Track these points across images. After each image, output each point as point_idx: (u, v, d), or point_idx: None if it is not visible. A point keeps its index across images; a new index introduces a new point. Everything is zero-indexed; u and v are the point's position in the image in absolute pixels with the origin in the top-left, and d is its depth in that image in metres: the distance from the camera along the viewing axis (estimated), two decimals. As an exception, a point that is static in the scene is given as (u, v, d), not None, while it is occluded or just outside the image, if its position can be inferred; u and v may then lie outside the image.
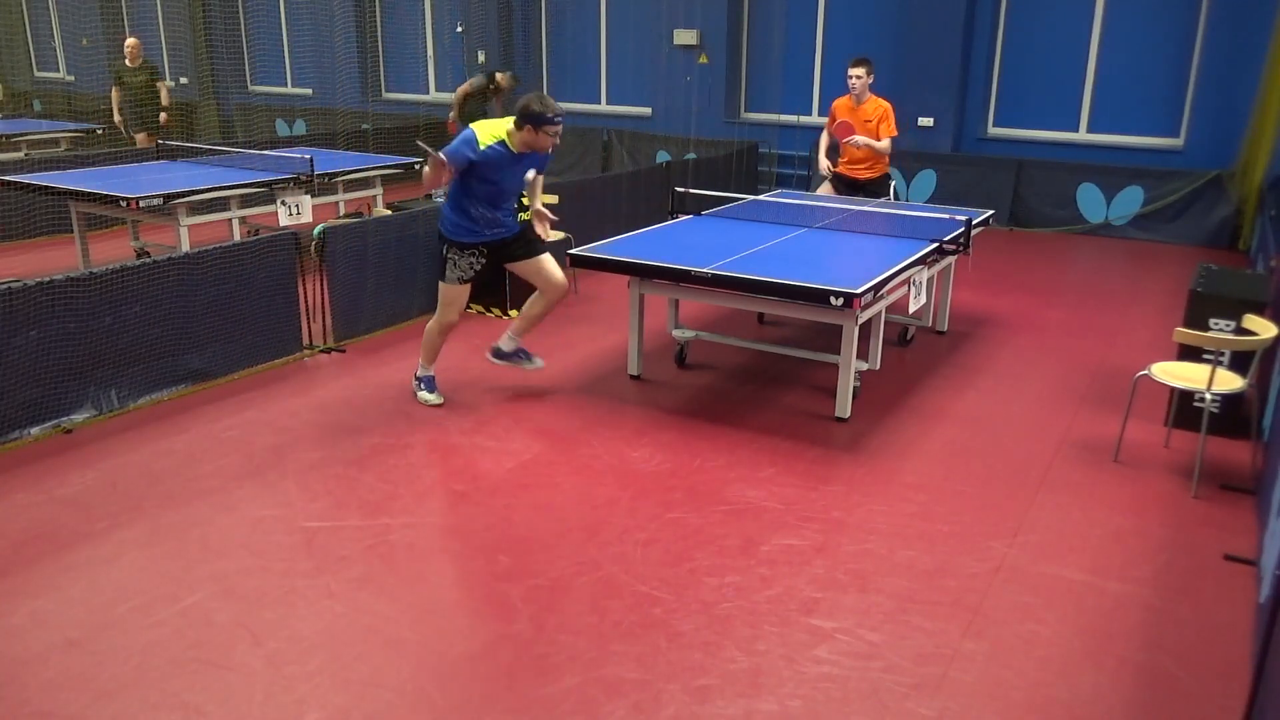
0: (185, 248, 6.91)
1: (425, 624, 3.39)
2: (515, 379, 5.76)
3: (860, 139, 7.24)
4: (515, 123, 4.85)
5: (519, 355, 5.58)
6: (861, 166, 7.49)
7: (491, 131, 4.87)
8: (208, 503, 4.23)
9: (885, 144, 7.27)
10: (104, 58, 15.10)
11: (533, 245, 5.27)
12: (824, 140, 7.65)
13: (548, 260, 5.28)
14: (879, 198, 7.56)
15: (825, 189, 7.71)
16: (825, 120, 7.59)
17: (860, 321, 5.04)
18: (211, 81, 16.49)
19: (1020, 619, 3.47)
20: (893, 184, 7.68)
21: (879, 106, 7.24)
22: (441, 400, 5.39)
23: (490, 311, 7.09)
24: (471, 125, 4.90)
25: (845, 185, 7.63)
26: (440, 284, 5.19)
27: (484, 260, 5.17)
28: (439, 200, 7.74)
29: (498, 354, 5.58)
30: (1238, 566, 3.83)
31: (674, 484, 4.47)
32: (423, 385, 5.43)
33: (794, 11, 11.99)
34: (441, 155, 4.75)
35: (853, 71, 7.18)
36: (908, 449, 4.88)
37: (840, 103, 7.42)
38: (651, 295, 5.71)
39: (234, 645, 3.25)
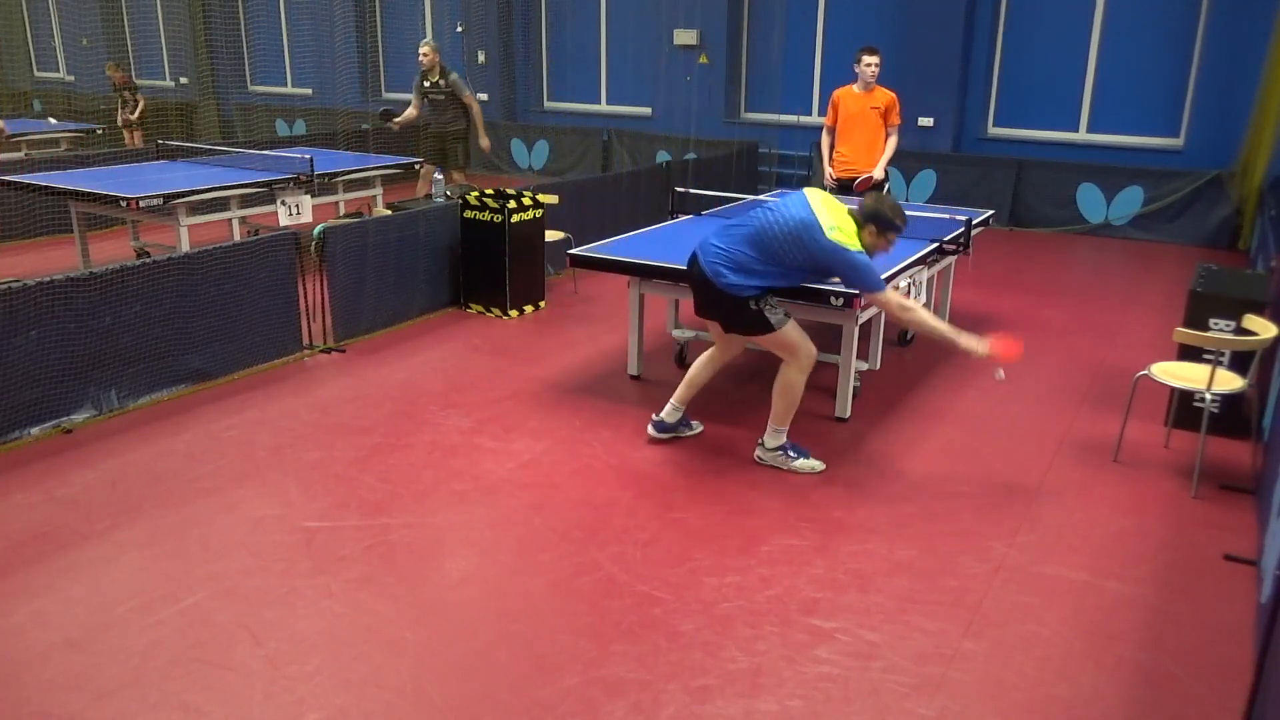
0: (185, 248, 6.91)
1: (425, 624, 3.39)
2: (514, 379, 5.75)
3: (878, 173, 7.23)
4: (863, 225, 4.37)
5: (683, 424, 4.98)
6: (861, 166, 7.45)
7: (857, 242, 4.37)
8: (208, 503, 4.23)
9: (893, 143, 7.29)
10: (104, 58, 15.10)
11: None
12: (825, 141, 7.51)
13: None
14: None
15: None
16: (825, 118, 7.54)
17: (860, 321, 5.04)
18: (211, 81, 16.49)
19: (1020, 619, 3.47)
20: (888, 185, 7.63)
21: (887, 95, 7.24)
22: (824, 465, 4.68)
23: (490, 311, 7.09)
24: (858, 250, 4.32)
25: (843, 187, 7.61)
26: (773, 336, 4.50)
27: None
28: (439, 200, 7.73)
29: (661, 428, 4.92)
30: (1238, 566, 3.83)
31: (674, 484, 4.47)
32: (790, 452, 4.66)
33: (794, 11, 11.99)
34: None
35: (870, 60, 7.11)
36: (908, 449, 4.88)
37: (843, 92, 7.32)
38: (651, 295, 5.70)
39: (234, 645, 3.25)
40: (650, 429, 4.92)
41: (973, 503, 4.33)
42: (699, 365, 4.86)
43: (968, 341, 4.32)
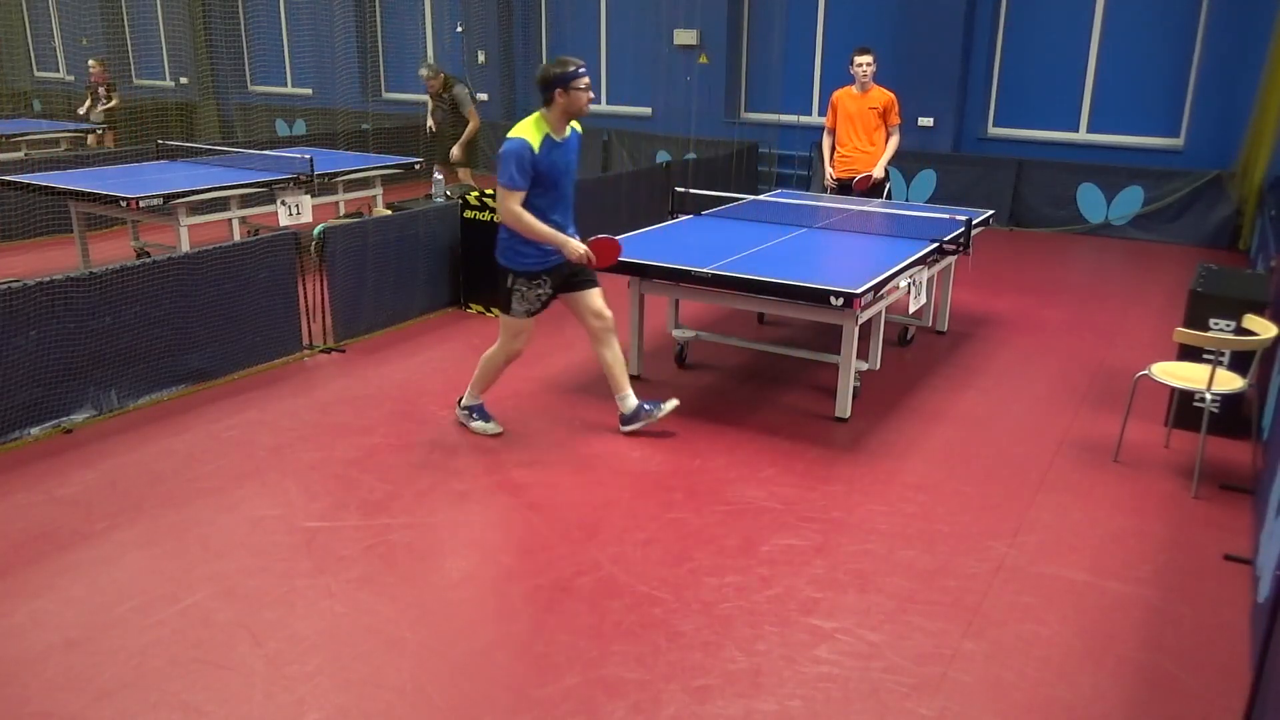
0: (185, 248, 6.91)
1: (425, 624, 3.39)
2: (514, 380, 5.75)
3: (878, 171, 7.25)
4: (544, 99, 4.43)
5: (643, 410, 4.97)
6: (861, 166, 7.45)
7: (532, 130, 4.41)
8: (208, 503, 4.23)
9: (894, 143, 7.30)
10: (104, 58, 15.09)
11: (588, 274, 4.83)
12: (825, 143, 7.54)
13: (599, 293, 4.88)
14: (875, 198, 7.54)
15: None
16: (825, 119, 7.54)
17: (860, 321, 5.04)
18: (211, 81, 16.49)
19: (1020, 619, 3.47)
20: (889, 185, 7.62)
21: (884, 95, 7.23)
22: (500, 429, 4.97)
23: (490, 311, 7.09)
24: (510, 135, 4.42)
25: (843, 187, 7.61)
26: (503, 316, 4.76)
27: (551, 290, 4.72)
28: (440, 200, 7.72)
29: (626, 421, 4.98)
30: (1237, 566, 3.83)
31: (674, 484, 4.47)
32: (474, 414, 4.99)
33: (794, 11, 11.99)
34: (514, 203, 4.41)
35: (861, 60, 7.09)
36: (908, 449, 4.88)
37: (842, 93, 7.33)
38: (651, 295, 5.71)
39: (234, 645, 3.25)
40: (620, 426, 5.04)
41: (973, 503, 4.33)
42: (599, 349, 4.94)
43: (573, 247, 4.57)
